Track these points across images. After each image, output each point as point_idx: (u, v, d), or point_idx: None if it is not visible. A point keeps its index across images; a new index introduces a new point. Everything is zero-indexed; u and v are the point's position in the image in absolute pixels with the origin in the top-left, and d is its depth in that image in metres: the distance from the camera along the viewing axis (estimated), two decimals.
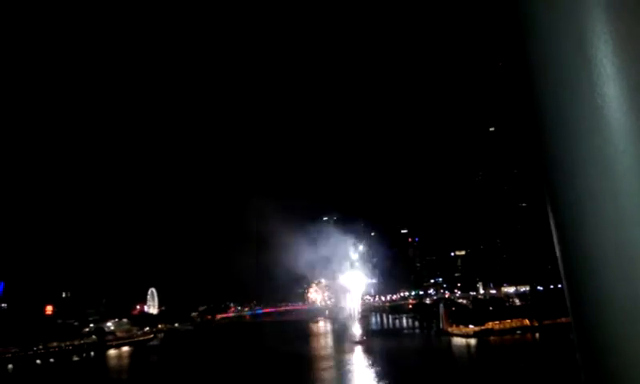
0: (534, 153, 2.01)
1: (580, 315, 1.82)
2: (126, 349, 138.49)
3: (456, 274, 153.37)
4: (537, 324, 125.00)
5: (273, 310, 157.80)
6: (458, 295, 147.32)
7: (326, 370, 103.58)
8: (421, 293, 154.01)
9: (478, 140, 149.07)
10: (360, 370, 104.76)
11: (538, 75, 1.96)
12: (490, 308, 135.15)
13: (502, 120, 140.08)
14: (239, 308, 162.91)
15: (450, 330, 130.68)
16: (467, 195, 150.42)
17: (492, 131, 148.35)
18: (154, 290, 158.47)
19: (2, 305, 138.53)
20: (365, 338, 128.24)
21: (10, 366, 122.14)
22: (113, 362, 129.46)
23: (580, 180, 1.83)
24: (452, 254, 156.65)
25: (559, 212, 1.90)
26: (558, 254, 1.93)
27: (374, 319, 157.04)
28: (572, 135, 1.86)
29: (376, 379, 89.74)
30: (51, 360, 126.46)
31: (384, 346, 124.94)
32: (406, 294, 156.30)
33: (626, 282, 1.71)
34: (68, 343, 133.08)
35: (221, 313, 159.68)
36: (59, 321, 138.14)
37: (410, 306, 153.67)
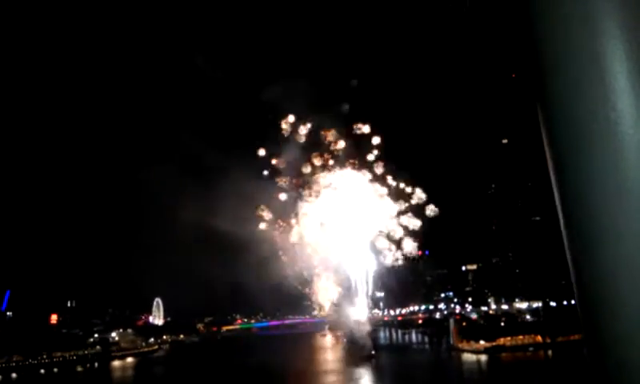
0: (548, 166, 2.04)
1: (590, 322, 1.86)
2: (130, 360, 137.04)
3: (467, 289, 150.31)
4: (549, 341, 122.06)
5: (279, 322, 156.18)
6: (469, 310, 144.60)
7: None
8: (431, 307, 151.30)
9: (491, 152, 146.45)
10: None
11: (552, 89, 1.97)
12: (502, 324, 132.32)
13: (516, 132, 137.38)
14: (245, 320, 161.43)
15: (460, 345, 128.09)
16: (479, 208, 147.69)
17: (505, 143, 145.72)
18: (159, 300, 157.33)
19: (7, 313, 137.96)
20: (373, 352, 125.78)
21: (14, 375, 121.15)
22: (117, 374, 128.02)
23: (594, 195, 1.84)
24: (463, 268, 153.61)
25: (572, 227, 1.91)
26: (570, 267, 1.97)
27: (382, 334, 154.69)
28: (586, 149, 1.86)
29: None
30: (55, 370, 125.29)
31: (393, 361, 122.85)
32: (416, 308, 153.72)
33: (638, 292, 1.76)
34: (72, 353, 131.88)
35: (227, 325, 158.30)
36: (64, 330, 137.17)
37: (420, 321, 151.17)
